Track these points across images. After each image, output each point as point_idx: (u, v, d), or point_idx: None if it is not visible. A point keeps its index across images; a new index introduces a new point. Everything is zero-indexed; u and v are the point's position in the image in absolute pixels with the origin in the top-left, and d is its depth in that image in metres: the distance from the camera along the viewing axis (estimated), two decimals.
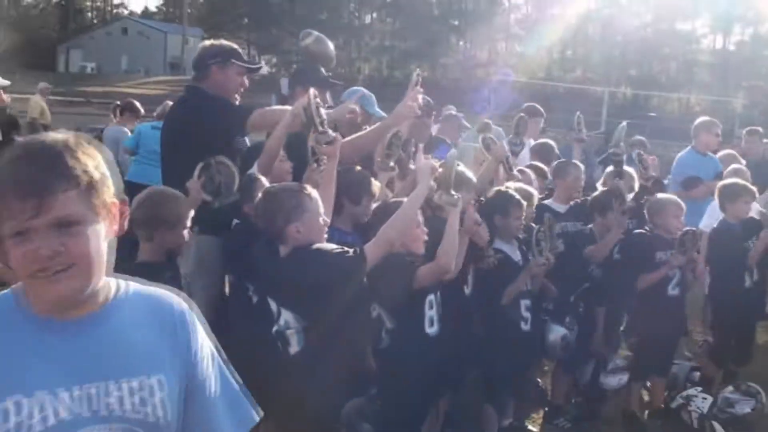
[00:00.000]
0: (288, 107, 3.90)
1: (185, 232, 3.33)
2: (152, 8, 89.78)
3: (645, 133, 15.05)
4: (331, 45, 4.95)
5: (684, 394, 5.41)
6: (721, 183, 5.83)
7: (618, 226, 4.96)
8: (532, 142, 6.97)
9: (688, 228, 5.06)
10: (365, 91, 5.07)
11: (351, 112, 3.71)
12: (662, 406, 5.43)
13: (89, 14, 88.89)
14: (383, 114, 4.80)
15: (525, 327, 4.63)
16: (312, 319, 3.17)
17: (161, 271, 3.13)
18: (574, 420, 5.21)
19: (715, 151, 7.57)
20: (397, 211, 3.26)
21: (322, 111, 3.49)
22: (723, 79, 57.66)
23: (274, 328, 3.23)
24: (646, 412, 5.44)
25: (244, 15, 70.23)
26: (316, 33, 4.90)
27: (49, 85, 15.17)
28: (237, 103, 4.28)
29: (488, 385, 4.62)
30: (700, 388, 5.49)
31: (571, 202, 5.40)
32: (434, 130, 6.87)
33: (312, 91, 3.55)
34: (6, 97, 8.49)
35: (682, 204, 5.26)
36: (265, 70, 73.54)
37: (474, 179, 4.27)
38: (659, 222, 5.18)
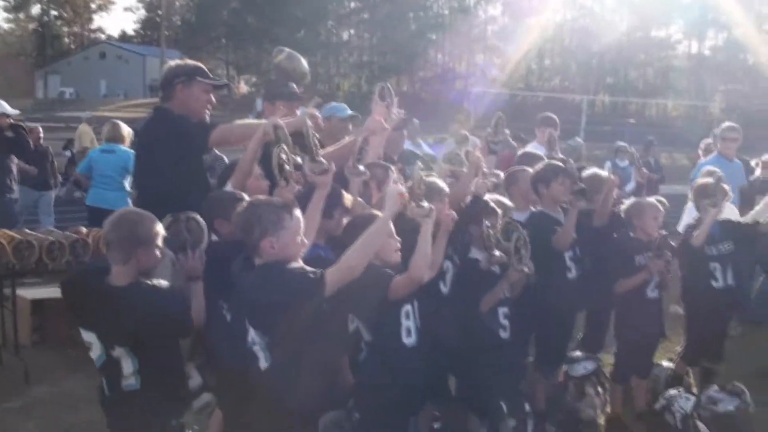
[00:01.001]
0: (254, 121, 3.94)
1: (158, 252, 3.30)
2: (130, 32, 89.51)
3: (624, 140, 15.25)
4: (303, 61, 4.97)
5: (667, 394, 5.44)
6: (696, 182, 5.91)
7: (573, 207, 4.95)
8: (541, 148, 7.04)
9: (663, 233, 5.11)
10: (336, 104, 5.12)
11: (312, 118, 3.69)
12: (645, 407, 5.45)
13: (66, 40, 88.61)
14: None
15: (504, 335, 4.64)
16: (273, 336, 3.15)
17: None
18: (559, 425, 5.22)
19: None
20: (361, 237, 3.22)
21: (317, 140, 3.50)
22: (699, 84, 58.28)
23: (246, 345, 3.23)
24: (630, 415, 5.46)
25: (221, 36, 70.34)
26: (288, 50, 4.92)
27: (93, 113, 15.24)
28: (207, 119, 4.30)
29: (471, 395, 4.62)
30: (682, 388, 5.54)
31: (532, 208, 5.34)
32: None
33: (307, 118, 3.58)
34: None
35: (660, 207, 5.31)
36: (244, 89, 74.00)
37: (446, 189, 4.28)
38: (638, 224, 5.22)
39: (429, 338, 3.88)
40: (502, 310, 4.63)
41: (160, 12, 72.36)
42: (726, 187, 5.66)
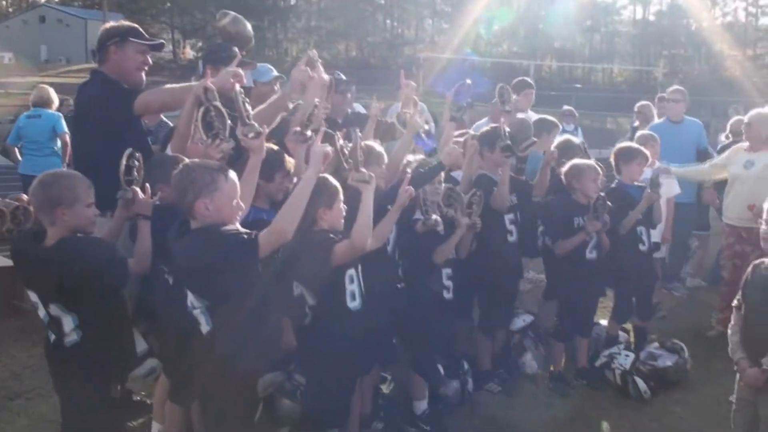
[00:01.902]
0: (178, 85, 3.89)
1: (89, 211, 3.30)
2: None
3: (572, 104, 15.46)
4: (248, 25, 4.90)
5: (607, 352, 5.61)
6: (617, 146, 6.03)
7: (504, 165, 5.03)
8: (531, 114, 7.23)
9: (600, 194, 5.20)
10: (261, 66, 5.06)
11: (236, 77, 3.64)
12: (586, 365, 5.60)
13: (3, 2, 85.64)
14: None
15: (447, 295, 4.73)
16: (210, 299, 3.16)
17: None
18: (503, 383, 5.34)
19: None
20: (287, 200, 3.23)
21: (248, 104, 3.44)
22: (644, 49, 59.08)
23: (187, 309, 3.24)
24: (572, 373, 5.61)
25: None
26: (232, 13, 4.84)
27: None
28: (142, 80, 4.25)
29: (414, 354, 4.69)
30: (623, 346, 5.71)
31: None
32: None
33: (237, 84, 3.52)
34: None
35: (599, 169, 5.40)
36: (189, 54, 72.40)
37: (384, 153, 4.31)
38: (577, 186, 5.30)
39: (375, 300, 3.94)
40: (446, 271, 4.72)
41: None
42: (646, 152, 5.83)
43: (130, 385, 4.51)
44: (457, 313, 4.94)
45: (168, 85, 4.08)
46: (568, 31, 61.47)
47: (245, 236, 3.07)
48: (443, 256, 4.65)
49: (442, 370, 4.87)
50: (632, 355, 5.51)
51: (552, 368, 5.56)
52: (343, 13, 62.08)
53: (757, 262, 3.94)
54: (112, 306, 3.40)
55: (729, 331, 4.03)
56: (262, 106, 4.03)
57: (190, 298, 3.21)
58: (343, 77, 5.98)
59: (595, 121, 32.57)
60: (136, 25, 4.37)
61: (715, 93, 35.09)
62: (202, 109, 3.28)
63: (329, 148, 3.38)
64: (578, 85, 46.17)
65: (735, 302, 4.03)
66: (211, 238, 3.10)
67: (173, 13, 69.22)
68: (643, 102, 9.56)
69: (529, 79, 7.97)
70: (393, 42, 62.42)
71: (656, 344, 5.74)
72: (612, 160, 5.87)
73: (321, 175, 3.59)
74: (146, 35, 4.34)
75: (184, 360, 3.42)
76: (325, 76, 4.11)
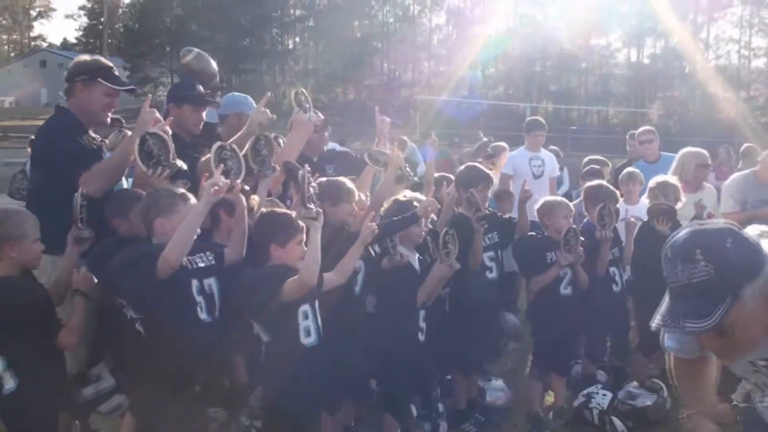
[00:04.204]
0: (115, 154, 3.90)
1: (36, 247, 3.33)
2: (71, 39, 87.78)
3: (566, 145, 15.55)
4: (213, 62, 4.90)
5: (585, 391, 5.52)
6: (586, 185, 5.97)
7: (477, 234, 4.97)
8: (544, 152, 7.94)
9: (571, 226, 5.16)
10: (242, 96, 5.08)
11: (153, 118, 3.68)
12: (564, 405, 5.51)
13: (6, 47, 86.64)
14: None
15: (421, 338, 4.67)
16: (136, 311, 3.35)
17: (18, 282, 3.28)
18: (478, 424, 5.25)
19: None
20: (177, 231, 3.32)
21: (310, 187, 3.66)
22: (639, 91, 59.55)
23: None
24: (550, 412, 5.50)
25: (164, 43, 69.39)
26: (196, 50, 4.85)
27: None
28: (105, 122, 4.20)
29: (387, 394, 4.62)
30: (600, 385, 5.62)
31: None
32: None
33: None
34: None
35: (571, 205, 5.38)
36: (215, 97, 72.50)
37: (354, 190, 4.29)
38: (549, 223, 5.27)
39: (340, 337, 3.89)
40: (422, 313, 4.66)
41: (102, 19, 71.07)
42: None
43: (94, 424, 4.43)
44: (430, 353, 4.87)
45: (107, 158, 4.06)
46: (564, 73, 62.11)
47: (157, 251, 3.27)
48: (423, 298, 4.61)
49: (415, 411, 4.79)
50: (610, 395, 5.42)
51: (531, 408, 5.46)
52: (340, 56, 62.65)
53: None
54: (45, 350, 3.39)
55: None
56: (231, 140, 4.05)
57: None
58: (321, 116, 6.00)
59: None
60: (110, 65, 4.24)
61: (710, 134, 35.30)
62: (138, 140, 3.34)
63: (222, 183, 3.38)
64: (574, 127, 46.38)
65: None
66: (134, 248, 3.38)
67: (172, 57, 69.88)
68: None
69: (539, 119, 8.15)
70: (390, 84, 62.84)
71: (635, 383, 5.65)
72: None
73: (281, 211, 3.60)
74: (118, 76, 4.21)
75: None
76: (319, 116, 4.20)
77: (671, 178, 5.85)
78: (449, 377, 5.48)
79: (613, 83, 62.11)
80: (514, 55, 61.33)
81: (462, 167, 5.67)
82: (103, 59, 4.33)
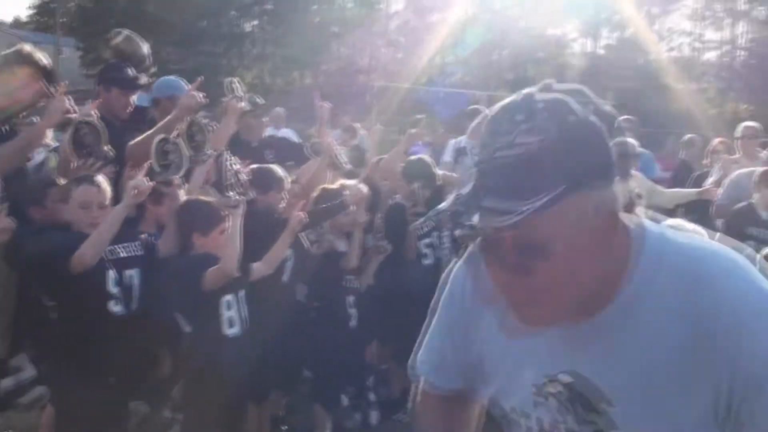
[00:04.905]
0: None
1: None
2: (23, 18, 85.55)
3: None
4: (144, 45, 4.79)
5: None
6: None
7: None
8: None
9: None
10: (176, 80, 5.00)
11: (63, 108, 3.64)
12: None
13: None
14: None
15: (352, 323, 4.65)
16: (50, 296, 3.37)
17: None
18: (411, 413, 5.23)
19: None
20: (98, 227, 3.30)
21: (229, 172, 3.53)
22: (594, 82, 60.18)
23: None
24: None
25: (118, 24, 67.94)
26: (126, 32, 4.75)
27: None
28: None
29: (317, 384, 4.61)
30: None
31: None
32: None
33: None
34: None
35: None
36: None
37: (285, 177, 4.26)
38: None
39: (266, 326, 3.86)
40: (349, 299, 4.64)
41: None
42: None
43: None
44: (362, 340, 4.86)
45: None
46: (521, 62, 62.47)
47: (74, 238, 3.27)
48: (351, 262, 4.64)
49: (346, 401, 4.77)
50: None
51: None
52: (298, 40, 62.14)
53: None
54: None
55: None
56: (153, 130, 3.97)
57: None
58: (260, 101, 5.93)
59: None
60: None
61: (664, 125, 35.90)
62: (70, 129, 3.23)
63: (144, 186, 3.37)
64: None
65: None
66: (47, 234, 3.37)
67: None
68: None
69: (480, 107, 7.98)
70: (347, 70, 62.57)
71: None
72: None
73: (204, 200, 3.55)
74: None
75: None
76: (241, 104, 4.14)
77: None
78: (385, 366, 5.48)
79: (568, 73, 62.70)
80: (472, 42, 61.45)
81: (410, 158, 5.65)
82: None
